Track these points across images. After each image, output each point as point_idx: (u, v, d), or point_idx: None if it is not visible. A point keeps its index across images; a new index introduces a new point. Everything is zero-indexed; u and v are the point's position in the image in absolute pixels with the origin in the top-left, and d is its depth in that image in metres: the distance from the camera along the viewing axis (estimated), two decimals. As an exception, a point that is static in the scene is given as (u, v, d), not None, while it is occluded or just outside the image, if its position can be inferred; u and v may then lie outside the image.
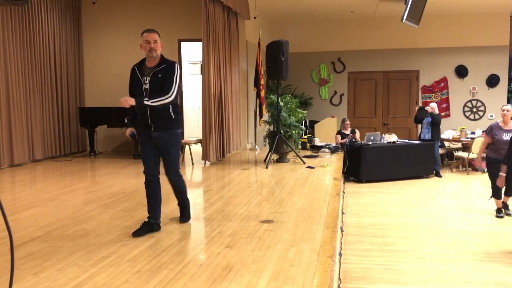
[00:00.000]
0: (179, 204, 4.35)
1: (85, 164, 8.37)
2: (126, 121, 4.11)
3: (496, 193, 6.31)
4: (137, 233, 3.84)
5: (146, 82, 3.84)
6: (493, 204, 6.45)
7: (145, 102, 3.71)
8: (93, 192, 5.71)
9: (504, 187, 6.19)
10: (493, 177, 6.30)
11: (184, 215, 4.35)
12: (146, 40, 3.82)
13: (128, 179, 6.60)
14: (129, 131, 4.04)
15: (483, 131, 10.50)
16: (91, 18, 10.09)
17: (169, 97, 3.79)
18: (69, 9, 9.73)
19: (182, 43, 9.89)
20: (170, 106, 3.87)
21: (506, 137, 6.12)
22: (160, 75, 3.83)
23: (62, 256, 3.37)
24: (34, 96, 8.55)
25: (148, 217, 3.99)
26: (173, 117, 3.92)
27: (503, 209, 6.37)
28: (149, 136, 3.92)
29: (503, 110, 6.24)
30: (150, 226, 3.95)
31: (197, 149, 8.73)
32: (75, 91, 9.90)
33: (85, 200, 5.27)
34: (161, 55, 3.93)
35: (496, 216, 6.32)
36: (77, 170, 7.64)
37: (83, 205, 5.05)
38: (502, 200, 6.34)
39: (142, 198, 5.32)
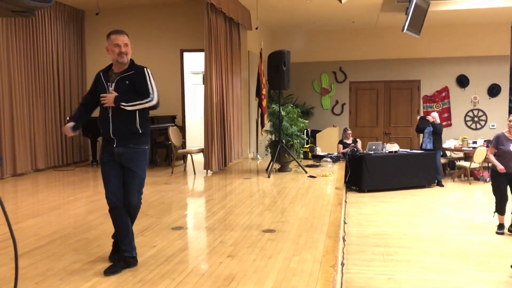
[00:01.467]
0: (116, 242, 3.47)
1: (87, 173, 8.39)
2: (68, 118, 3.67)
3: (500, 208, 6.08)
4: (111, 271, 3.20)
5: (111, 88, 3.32)
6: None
7: (121, 105, 3.23)
8: (96, 202, 5.72)
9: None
10: (498, 191, 6.06)
11: (117, 264, 3.31)
12: (115, 43, 3.28)
13: (130, 189, 6.60)
14: (70, 124, 3.41)
15: (484, 141, 10.52)
16: (94, 29, 10.16)
17: (150, 101, 3.28)
18: (73, 20, 9.81)
19: (185, 53, 9.95)
20: (138, 119, 3.31)
21: None
22: (127, 82, 3.32)
23: (64, 265, 3.38)
24: (37, 106, 8.59)
25: (121, 251, 3.32)
26: (140, 131, 3.33)
27: (505, 225, 6.09)
28: (111, 152, 3.32)
29: (510, 121, 5.94)
30: (125, 261, 3.31)
31: (199, 158, 8.74)
32: (78, 100, 9.92)
33: (88, 210, 5.28)
34: (131, 60, 3.40)
35: (497, 233, 6.04)
36: (79, 179, 7.66)
37: (85, 214, 5.06)
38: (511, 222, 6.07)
39: (144, 207, 5.33)
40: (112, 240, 3.51)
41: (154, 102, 3.31)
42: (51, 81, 9.04)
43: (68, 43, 9.63)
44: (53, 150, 9.01)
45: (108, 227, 4.45)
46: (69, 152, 9.52)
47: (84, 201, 5.78)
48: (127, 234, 3.34)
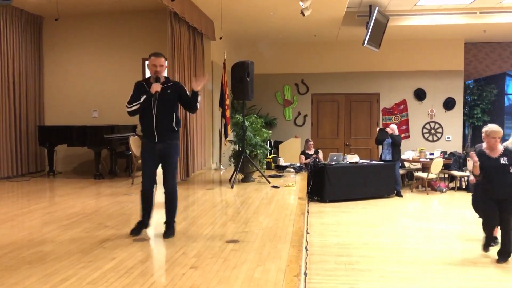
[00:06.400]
0: (167, 220, 4.54)
1: (43, 184, 8.08)
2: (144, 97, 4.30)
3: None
4: (134, 232, 4.35)
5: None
6: (454, 224, 6.55)
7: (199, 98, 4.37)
8: (52, 213, 5.50)
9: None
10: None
11: (169, 229, 4.46)
12: (153, 64, 4.25)
13: (88, 200, 6.41)
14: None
15: (441, 152, 10.88)
16: (53, 35, 9.88)
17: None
18: (30, 26, 9.50)
19: (147, 62, 9.80)
20: (174, 118, 4.29)
21: None
22: (169, 91, 4.29)
23: (17, 279, 3.21)
24: (-10, 114, 8.25)
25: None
26: (176, 129, 4.34)
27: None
28: (152, 147, 4.28)
29: None
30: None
31: (161, 169, 8.58)
32: (34, 109, 9.60)
33: (43, 221, 5.07)
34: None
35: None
36: (35, 190, 7.36)
37: (40, 226, 4.85)
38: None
39: (103, 219, 5.19)
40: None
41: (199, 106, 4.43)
42: (6, 88, 8.70)
43: (25, 49, 9.30)
44: (7, 160, 8.64)
45: (65, 239, 4.29)
46: (24, 162, 9.16)
47: (40, 213, 5.55)
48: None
